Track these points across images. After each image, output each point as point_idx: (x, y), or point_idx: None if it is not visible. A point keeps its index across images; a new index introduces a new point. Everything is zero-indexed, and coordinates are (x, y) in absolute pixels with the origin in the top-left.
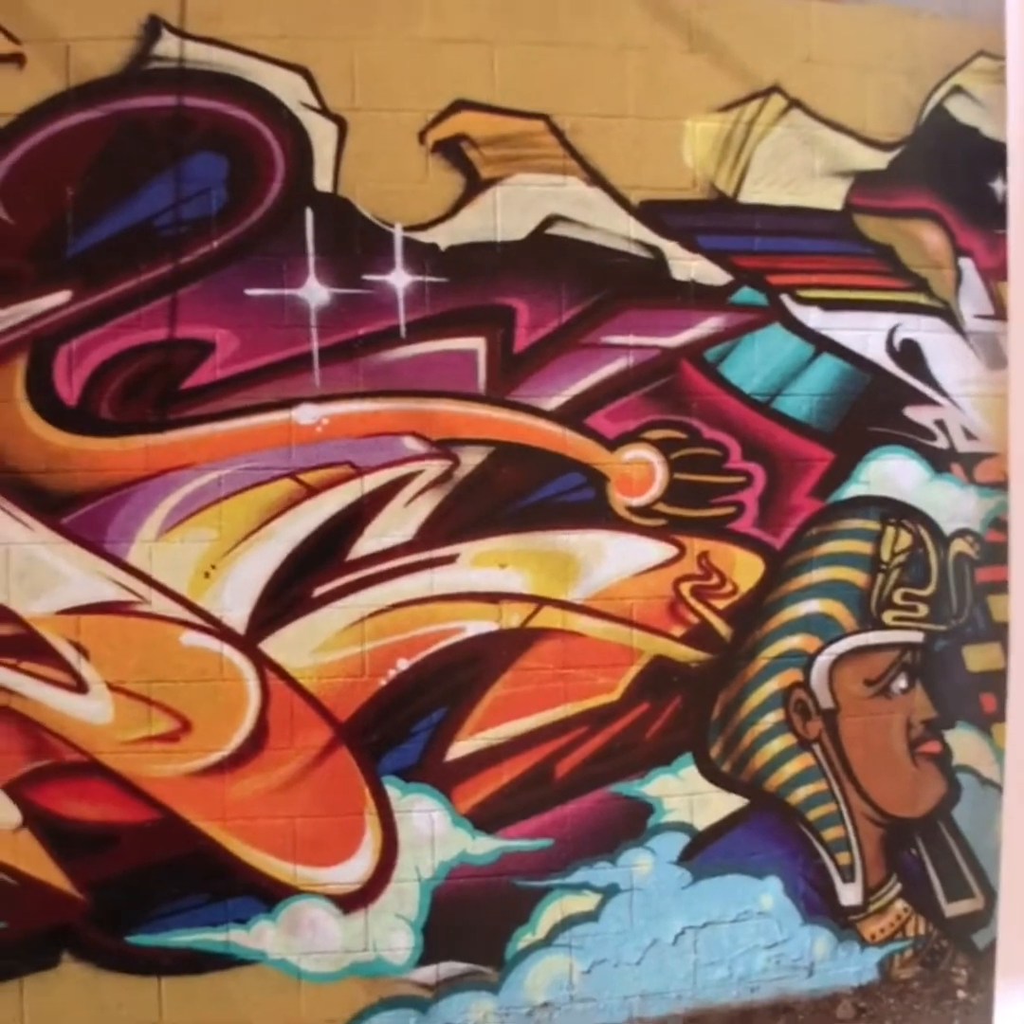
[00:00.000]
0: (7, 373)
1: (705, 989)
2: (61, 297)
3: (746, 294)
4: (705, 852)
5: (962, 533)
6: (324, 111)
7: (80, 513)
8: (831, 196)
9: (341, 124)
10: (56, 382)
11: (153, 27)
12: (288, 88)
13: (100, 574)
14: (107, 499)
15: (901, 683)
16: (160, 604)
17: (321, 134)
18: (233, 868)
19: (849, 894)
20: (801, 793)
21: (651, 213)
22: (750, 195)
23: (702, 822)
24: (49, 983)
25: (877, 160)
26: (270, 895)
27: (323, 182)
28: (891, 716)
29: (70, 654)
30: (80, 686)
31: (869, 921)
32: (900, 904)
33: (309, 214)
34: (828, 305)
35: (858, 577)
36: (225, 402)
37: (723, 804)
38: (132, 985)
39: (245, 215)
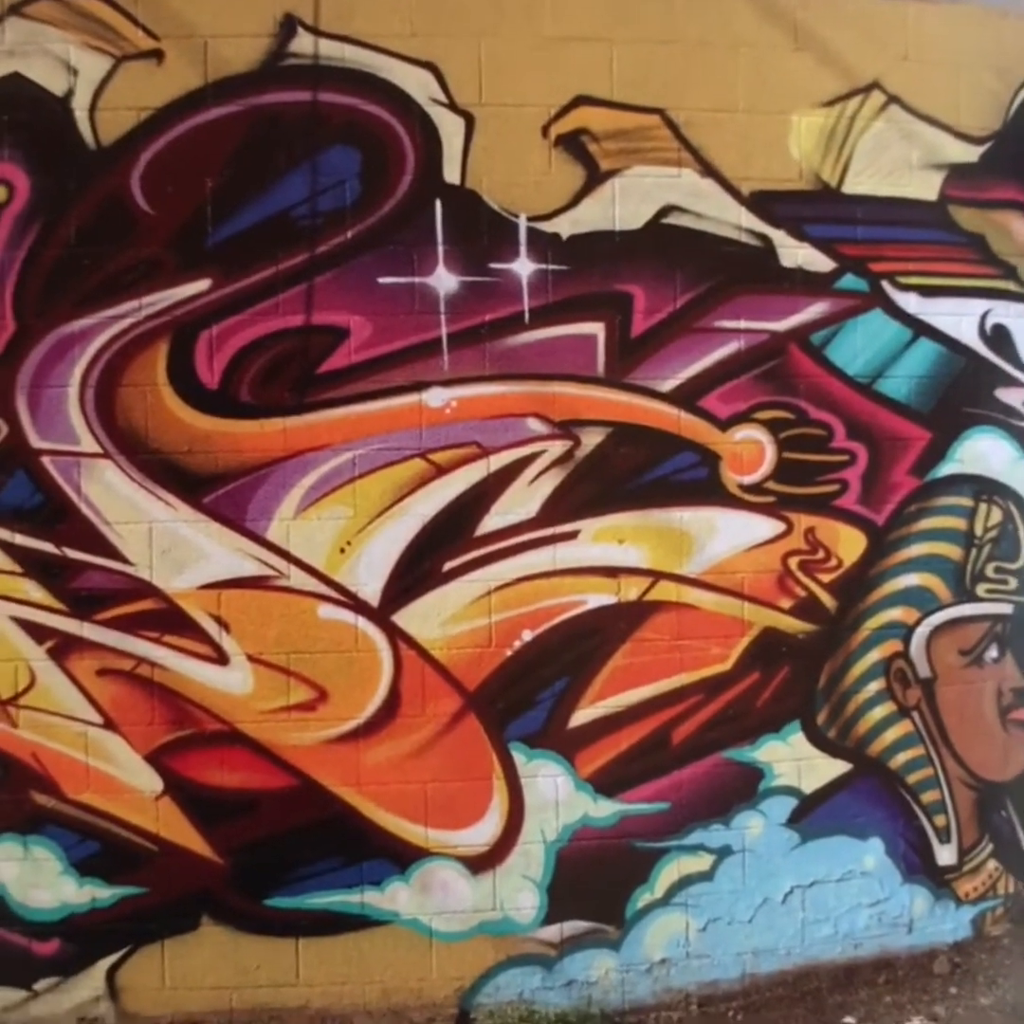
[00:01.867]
0: (150, 358)
1: (812, 946)
2: (202, 285)
3: (849, 280)
4: (812, 815)
5: None
6: (452, 106)
7: (221, 492)
8: (927, 187)
9: (469, 119)
10: (197, 367)
11: (289, 25)
12: (418, 84)
13: (240, 550)
14: (247, 479)
15: (993, 653)
16: (298, 579)
17: (450, 128)
18: (368, 832)
19: (945, 854)
20: (901, 758)
21: (760, 203)
22: (852, 186)
23: (809, 786)
24: (190, 946)
25: (969, 153)
26: (403, 857)
27: (451, 175)
28: (983, 684)
29: (212, 627)
30: (221, 658)
31: (963, 880)
32: (992, 864)
33: (438, 205)
34: (925, 291)
35: (953, 552)
36: (359, 386)
37: (829, 769)
38: (270, 946)
39: (378, 206)
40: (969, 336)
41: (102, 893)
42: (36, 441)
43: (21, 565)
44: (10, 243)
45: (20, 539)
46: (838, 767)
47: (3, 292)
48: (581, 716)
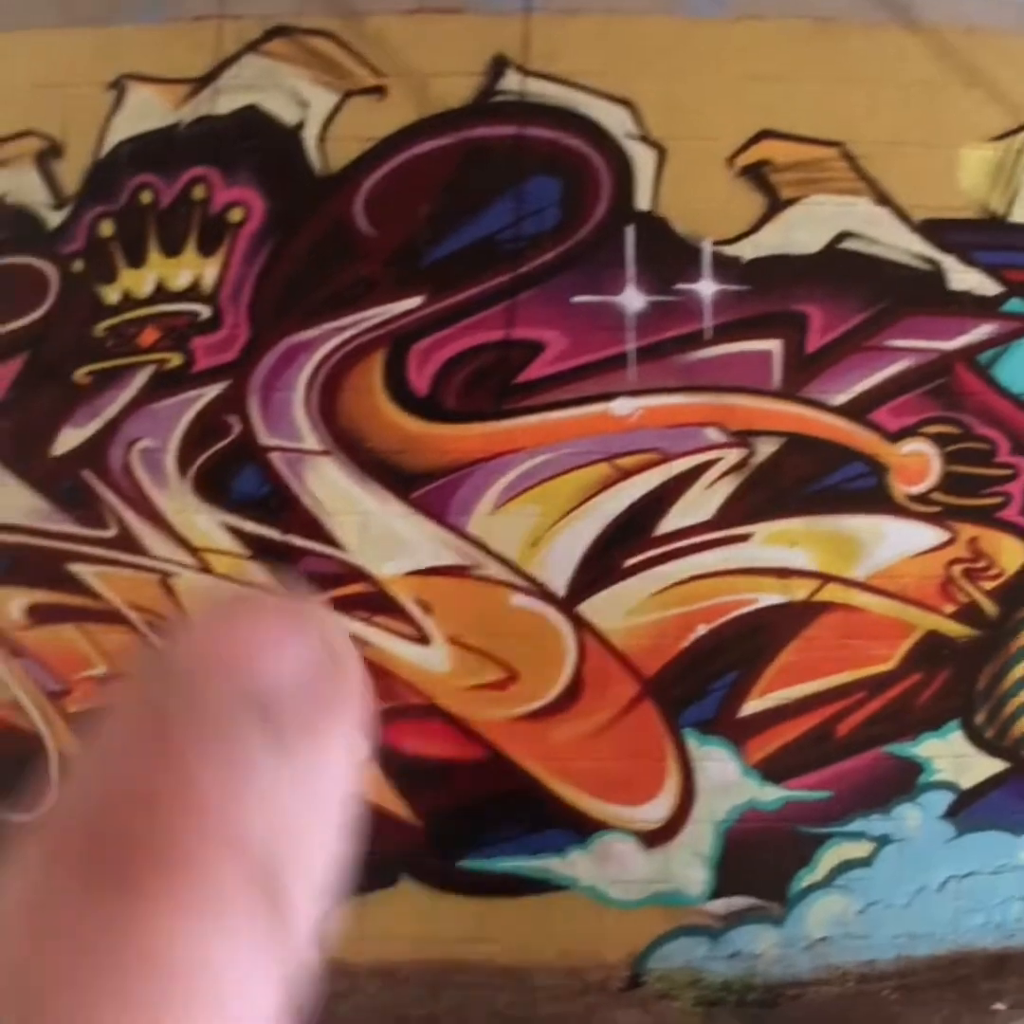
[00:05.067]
0: (368, 366)
1: (966, 933)
2: (415, 301)
3: (1016, 304)
4: (969, 809)
5: None
6: (645, 139)
7: (427, 489)
8: None
9: (660, 151)
10: (409, 375)
11: (498, 65)
12: (615, 119)
13: (443, 541)
14: (450, 477)
15: None
16: (493, 569)
17: (642, 160)
18: (551, 803)
19: None
20: None
21: (931, 230)
22: (1020, 215)
23: (967, 782)
24: (389, 901)
25: None
26: (583, 828)
27: (642, 202)
28: None
29: (416, 611)
30: (423, 638)
31: None
32: None
33: (630, 230)
34: None
35: None
36: (553, 395)
37: (986, 767)
38: (459, 904)
39: (575, 231)
40: None
41: None
42: (265, 438)
43: (249, 548)
44: (246, 259)
45: (249, 526)
46: (995, 765)
47: (240, 303)
48: (750, 707)
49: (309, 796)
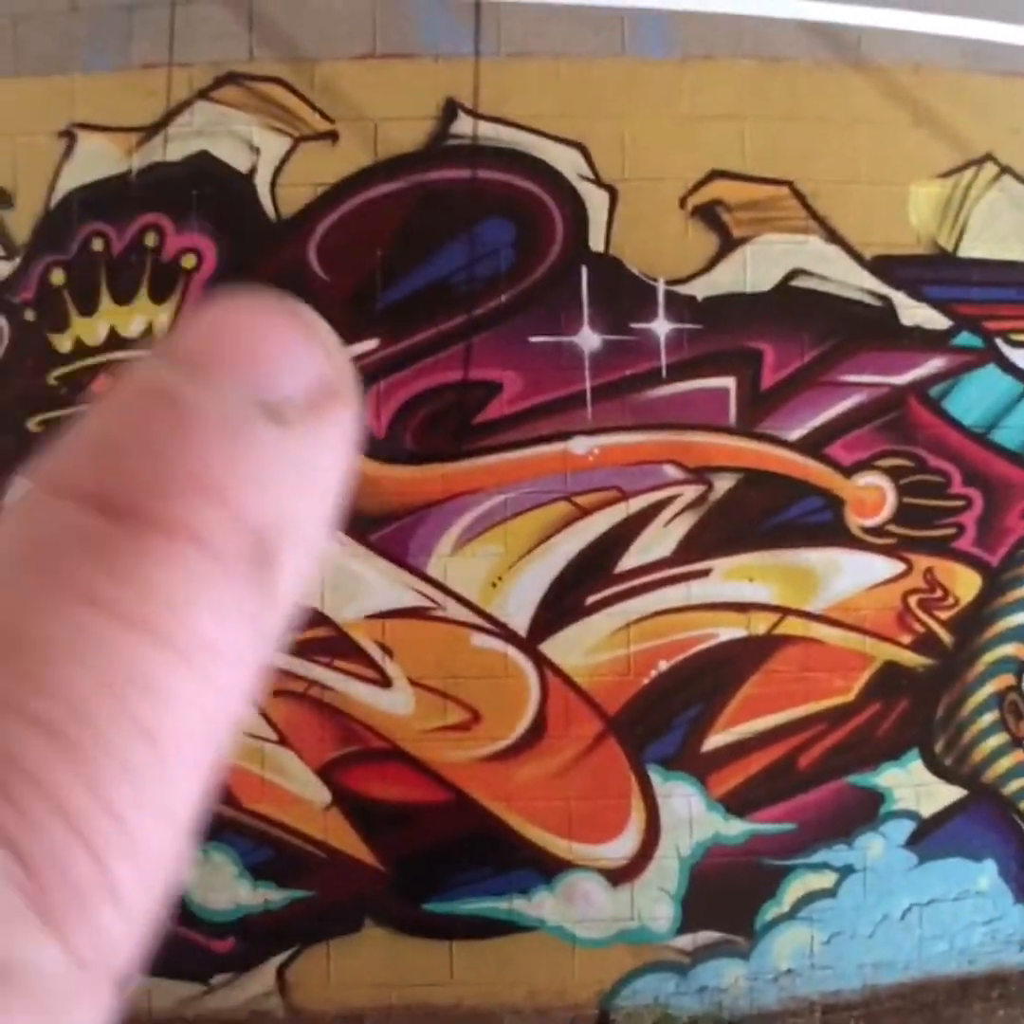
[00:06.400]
0: None
1: (929, 961)
2: (370, 344)
3: (965, 338)
4: (930, 837)
5: None
6: (598, 181)
7: (386, 531)
8: None
9: (612, 192)
10: (366, 417)
11: (450, 109)
12: (567, 161)
13: (403, 583)
14: (409, 519)
15: None
16: (454, 610)
17: (595, 201)
18: (516, 844)
19: None
20: (1014, 785)
21: (882, 267)
22: (968, 250)
23: (927, 810)
24: (353, 946)
25: None
26: (548, 868)
27: (596, 243)
28: None
29: (376, 653)
30: (385, 681)
31: None
32: None
33: (584, 271)
34: None
35: None
36: (511, 435)
37: (946, 794)
38: (426, 948)
39: (529, 273)
40: None
41: (274, 896)
42: None
43: None
44: (199, 306)
45: None
46: (954, 793)
47: None
48: (713, 741)
49: (308, 480)
